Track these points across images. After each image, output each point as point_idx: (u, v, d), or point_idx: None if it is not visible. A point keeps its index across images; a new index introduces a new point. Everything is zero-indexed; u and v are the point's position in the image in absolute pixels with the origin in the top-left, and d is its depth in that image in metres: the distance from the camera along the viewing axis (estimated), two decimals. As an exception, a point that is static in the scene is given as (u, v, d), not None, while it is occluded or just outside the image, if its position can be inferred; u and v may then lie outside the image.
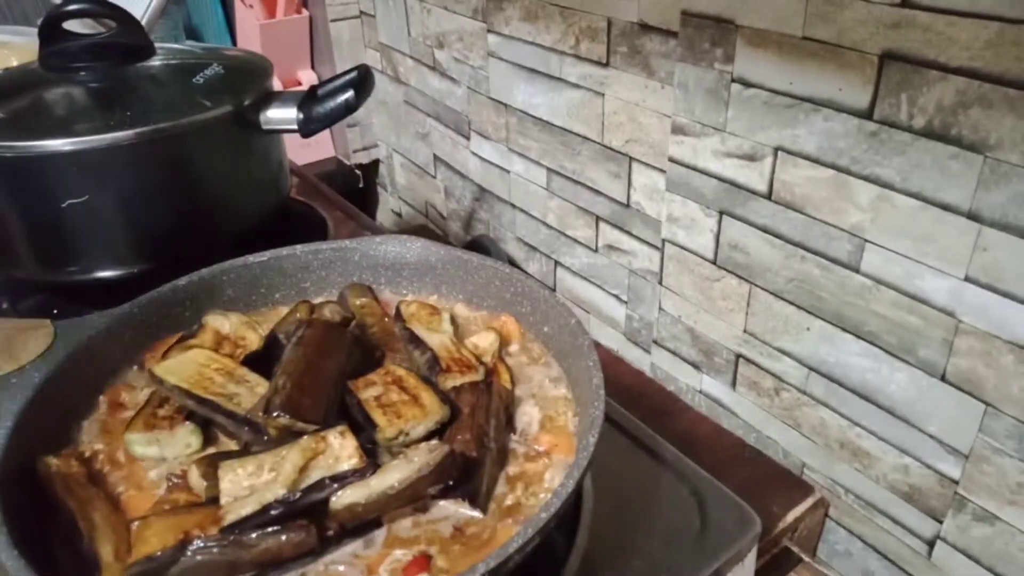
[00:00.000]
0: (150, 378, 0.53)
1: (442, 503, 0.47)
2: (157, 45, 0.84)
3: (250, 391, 0.52)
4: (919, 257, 0.60)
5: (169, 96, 0.77)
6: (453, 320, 0.62)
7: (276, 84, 1.18)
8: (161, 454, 0.51)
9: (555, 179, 0.99)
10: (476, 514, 0.47)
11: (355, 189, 1.51)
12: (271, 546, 0.42)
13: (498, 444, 0.51)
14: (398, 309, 0.62)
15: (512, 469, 0.50)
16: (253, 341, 0.57)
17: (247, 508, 0.43)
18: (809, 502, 0.72)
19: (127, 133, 0.69)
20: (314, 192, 1.15)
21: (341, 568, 0.44)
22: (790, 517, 0.71)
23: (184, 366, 0.53)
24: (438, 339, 0.58)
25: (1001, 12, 0.50)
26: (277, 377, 0.50)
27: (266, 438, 0.48)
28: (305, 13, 1.41)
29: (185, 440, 0.51)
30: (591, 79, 0.86)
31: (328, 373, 0.52)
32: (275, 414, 0.47)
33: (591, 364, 0.51)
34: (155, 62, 0.82)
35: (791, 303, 0.72)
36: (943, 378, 0.61)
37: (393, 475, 0.44)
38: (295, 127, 0.80)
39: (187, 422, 0.51)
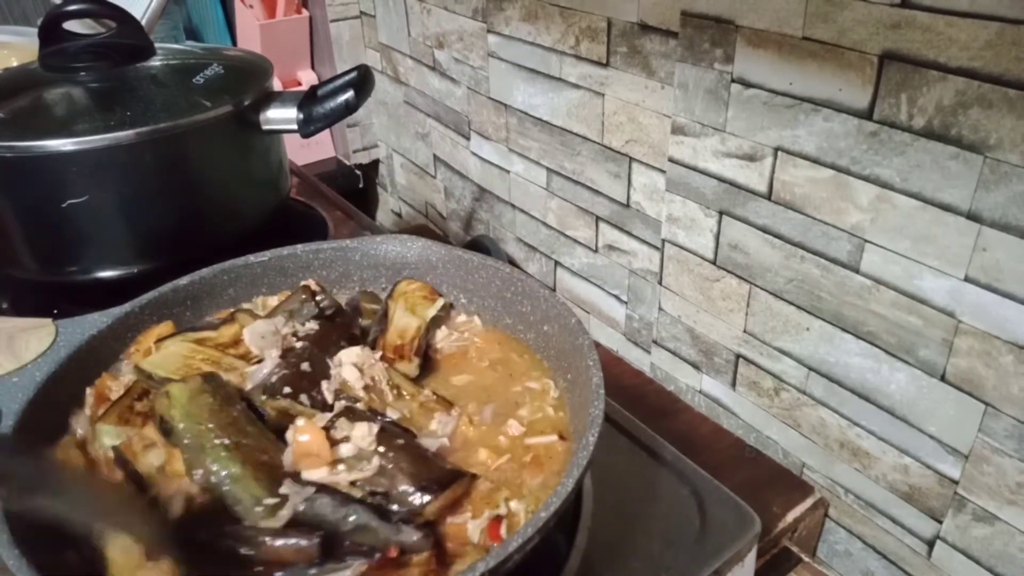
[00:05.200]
0: (137, 373, 0.53)
1: None
2: (157, 45, 0.84)
3: (240, 378, 0.53)
4: (919, 257, 0.60)
5: (169, 96, 0.77)
6: (448, 308, 0.63)
7: (276, 84, 1.18)
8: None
9: (555, 179, 0.99)
10: None
11: (355, 189, 1.51)
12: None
13: None
14: (396, 283, 0.64)
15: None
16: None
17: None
18: (809, 502, 0.73)
19: (127, 133, 0.69)
20: (314, 192, 1.15)
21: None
22: (790, 517, 0.71)
23: (169, 359, 0.54)
24: (405, 323, 0.59)
25: (1001, 12, 0.50)
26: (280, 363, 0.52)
27: (264, 420, 0.49)
28: (305, 13, 1.41)
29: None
30: (591, 79, 0.86)
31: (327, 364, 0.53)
32: (277, 395, 0.48)
33: (591, 364, 0.51)
34: (155, 62, 0.82)
35: (791, 303, 0.72)
36: (943, 378, 0.61)
37: None
38: (295, 127, 0.80)
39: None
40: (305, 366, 0.53)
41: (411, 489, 0.44)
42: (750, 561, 0.61)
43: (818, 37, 0.61)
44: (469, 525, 0.45)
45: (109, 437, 0.50)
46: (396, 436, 0.48)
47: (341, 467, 0.45)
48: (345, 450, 0.46)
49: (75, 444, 0.50)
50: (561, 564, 0.51)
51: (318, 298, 0.62)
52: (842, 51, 0.60)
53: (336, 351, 0.55)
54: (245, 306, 0.64)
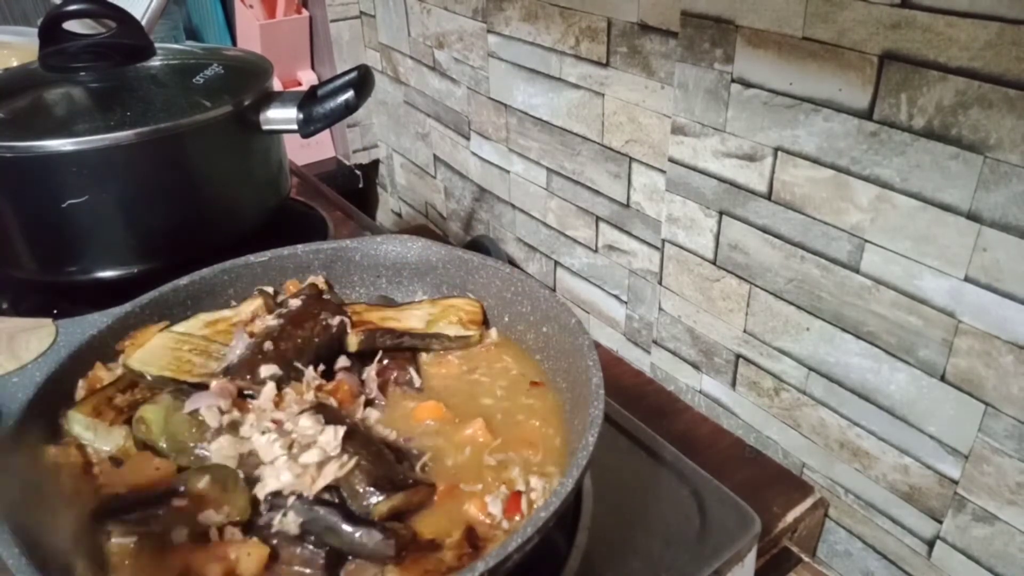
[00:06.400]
0: (128, 372, 0.53)
1: None
2: (157, 45, 0.84)
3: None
4: (919, 257, 0.60)
5: (169, 96, 0.77)
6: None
7: (276, 84, 1.18)
8: (95, 442, 0.50)
9: (555, 179, 0.99)
10: None
11: (355, 189, 1.51)
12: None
13: None
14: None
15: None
16: None
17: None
18: (809, 502, 0.73)
19: (127, 133, 0.69)
20: (314, 192, 1.15)
21: None
22: (790, 517, 0.71)
23: (156, 354, 0.54)
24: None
25: (1001, 12, 0.50)
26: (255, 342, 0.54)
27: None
28: (305, 13, 1.41)
29: (117, 441, 0.50)
30: (591, 79, 0.86)
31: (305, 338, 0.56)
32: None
33: (591, 364, 0.51)
34: (155, 62, 0.82)
35: (791, 303, 0.72)
36: (943, 378, 0.61)
37: None
38: (295, 127, 0.80)
39: (125, 425, 0.51)
40: (267, 345, 0.54)
41: (365, 488, 0.45)
42: (750, 561, 0.61)
43: (818, 37, 0.61)
44: (487, 500, 0.46)
45: (79, 426, 0.50)
46: (362, 439, 0.48)
47: (306, 472, 0.45)
48: (311, 455, 0.46)
49: (76, 445, 0.50)
50: (561, 564, 0.51)
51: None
52: (842, 51, 0.60)
53: (316, 322, 0.56)
54: (267, 289, 0.64)
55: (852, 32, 0.59)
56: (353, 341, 0.57)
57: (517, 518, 0.46)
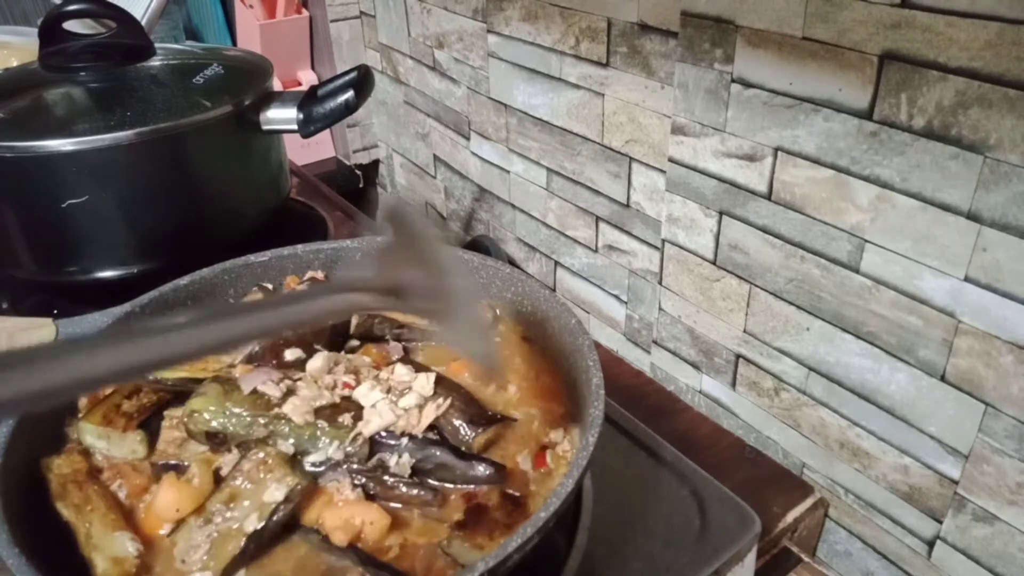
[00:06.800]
0: (150, 381, 0.53)
1: None
2: (157, 45, 0.84)
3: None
4: (919, 257, 0.60)
5: (169, 96, 0.77)
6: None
7: (276, 84, 1.18)
8: (108, 450, 0.51)
9: (555, 179, 0.99)
10: None
11: (355, 189, 1.51)
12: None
13: None
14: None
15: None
16: None
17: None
18: (809, 502, 0.72)
19: (127, 133, 0.70)
20: (314, 192, 1.15)
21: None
22: (790, 517, 0.71)
23: None
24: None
25: (1001, 12, 0.50)
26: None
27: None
28: (305, 13, 1.41)
29: (132, 447, 0.51)
30: (591, 79, 0.86)
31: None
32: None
33: (591, 364, 0.51)
34: (155, 62, 0.82)
35: (791, 303, 0.72)
36: (943, 378, 0.61)
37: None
38: (295, 127, 0.80)
39: (139, 430, 0.51)
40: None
41: (462, 425, 0.49)
42: (750, 561, 0.61)
43: (818, 37, 0.61)
44: (519, 459, 0.49)
45: (91, 436, 0.50)
46: (449, 383, 0.53)
47: (403, 414, 0.49)
48: (410, 399, 0.50)
49: (78, 451, 0.50)
50: (561, 564, 0.51)
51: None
52: (842, 51, 0.60)
53: None
54: (267, 285, 0.65)
55: (852, 32, 0.59)
56: (351, 323, 0.59)
57: (543, 471, 0.49)
